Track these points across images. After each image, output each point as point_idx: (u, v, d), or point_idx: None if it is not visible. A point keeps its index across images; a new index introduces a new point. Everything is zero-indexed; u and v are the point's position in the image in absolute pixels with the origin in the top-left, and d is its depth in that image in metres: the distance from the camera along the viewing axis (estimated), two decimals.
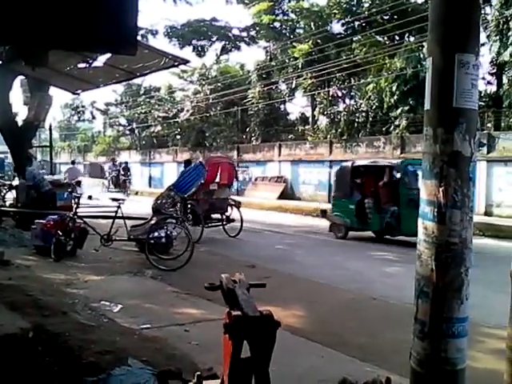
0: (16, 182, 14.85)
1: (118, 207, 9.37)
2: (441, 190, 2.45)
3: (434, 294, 2.49)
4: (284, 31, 31.01)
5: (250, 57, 62.63)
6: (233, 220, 13.19)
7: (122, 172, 30.61)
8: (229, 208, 13.39)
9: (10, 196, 15.73)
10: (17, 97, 16.80)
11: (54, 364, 3.93)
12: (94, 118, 51.81)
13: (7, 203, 15.01)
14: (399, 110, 21.45)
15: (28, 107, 15.07)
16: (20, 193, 13.02)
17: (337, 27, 27.58)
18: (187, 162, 14.63)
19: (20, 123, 15.18)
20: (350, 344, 5.05)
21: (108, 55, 8.57)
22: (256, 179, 27.44)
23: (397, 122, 21.56)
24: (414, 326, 2.63)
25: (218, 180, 13.57)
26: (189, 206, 12.30)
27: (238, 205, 13.69)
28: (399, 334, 4.54)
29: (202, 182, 11.44)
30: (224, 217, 13.19)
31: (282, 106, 32.59)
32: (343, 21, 26.84)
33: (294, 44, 28.60)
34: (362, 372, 4.05)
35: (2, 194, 17.29)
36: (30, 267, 7.92)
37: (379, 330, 5.56)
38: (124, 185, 29.72)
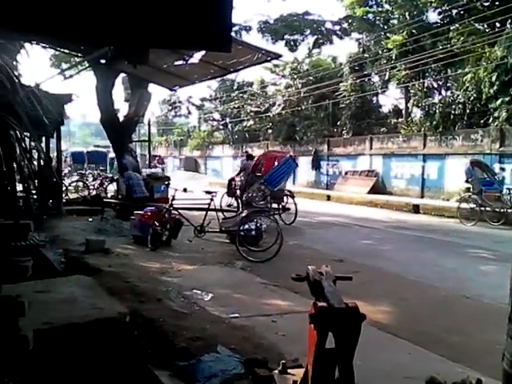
0: (117, 175, 15.68)
1: (211, 200, 9.66)
2: None
3: None
4: (377, 22, 30.26)
5: (343, 49, 61.65)
6: (288, 209, 13.68)
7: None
8: (284, 198, 14.02)
9: (112, 188, 16.64)
10: (118, 94, 17.74)
11: (149, 348, 4.15)
12: (189, 113, 53.28)
13: (109, 195, 15.90)
14: (499, 101, 20.20)
15: (129, 104, 15.83)
16: (121, 185, 13.72)
17: (433, 16, 26.48)
18: (249, 157, 15.29)
19: (121, 119, 15.97)
20: (441, 343, 4.92)
21: (203, 52, 8.83)
22: (346, 173, 27.10)
23: (496, 114, 20.35)
24: (507, 326, 2.54)
25: None
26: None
27: (292, 195, 14.24)
28: (493, 335, 4.35)
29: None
30: (280, 206, 13.54)
31: (374, 99, 31.84)
32: (440, 9, 25.73)
33: (387, 35, 27.87)
34: (452, 372, 3.93)
35: (104, 186, 18.36)
36: (128, 255, 8.33)
37: (472, 330, 5.37)
38: None
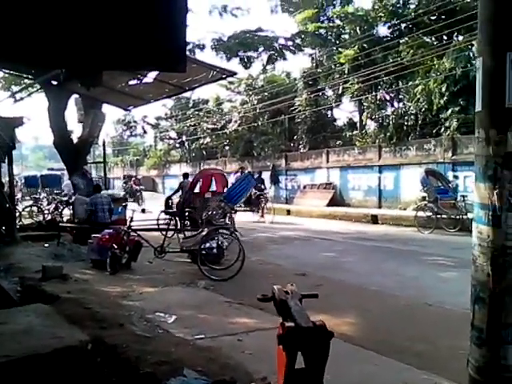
0: (72, 198, 15.34)
1: (170, 220, 9.55)
2: (495, 192, 2.40)
3: (491, 300, 2.43)
4: (329, 37, 30.84)
5: (296, 64, 62.46)
6: (226, 223, 13.53)
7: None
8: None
9: (68, 212, 16.28)
10: (71, 115, 17.46)
11: (113, 375, 4.02)
12: (145, 132, 52.89)
13: (64, 219, 15.53)
14: (449, 111, 20.88)
15: (82, 125, 15.60)
16: (76, 208, 13.41)
17: (383, 30, 27.21)
18: (185, 176, 16.08)
19: (75, 140, 15.71)
20: (406, 351, 4.96)
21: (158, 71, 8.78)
22: (304, 187, 27.31)
23: (447, 124, 21.01)
24: (470, 332, 2.57)
25: (212, 189, 14.39)
26: (187, 213, 12.70)
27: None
28: (457, 341, 4.42)
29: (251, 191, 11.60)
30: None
31: (329, 113, 32.31)
32: (389, 23, 26.46)
33: (339, 50, 28.42)
34: (419, 380, 3.98)
35: (60, 211, 17.90)
36: (87, 281, 8.12)
37: (436, 337, 5.43)
38: (257, 202, 19.99)
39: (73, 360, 3.98)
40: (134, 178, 34.64)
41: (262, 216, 19.29)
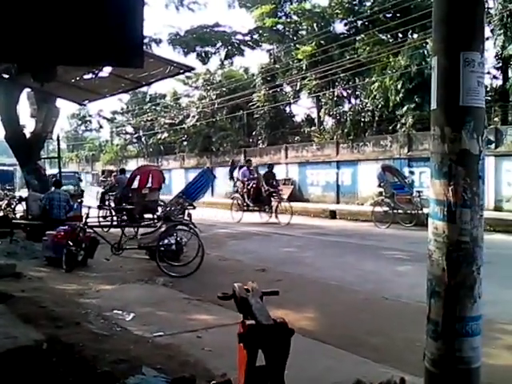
0: (25, 194, 14.95)
1: (128, 216, 9.43)
2: (450, 189, 2.45)
3: (447, 294, 2.48)
4: (287, 33, 31.03)
5: (254, 60, 62.54)
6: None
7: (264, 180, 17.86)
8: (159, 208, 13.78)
9: (21, 208, 15.85)
10: (24, 109, 17.01)
11: (69, 375, 3.94)
12: (101, 127, 52.08)
13: (17, 215, 15.12)
14: (405, 108, 21.36)
15: (35, 119, 15.20)
16: (30, 204, 13.08)
17: (340, 27, 27.59)
18: (122, 171, 16.94)
19: (28, 135, 15.31)
20: (364, 345, 5.02)
21: None
22: None
23: (403, 120, 21.50)
24: (427, 326, 2.62)
25: (149, 185, 14.28)
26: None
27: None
28: (413, 334, 4.52)
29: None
30: (155, 216, 13.61)
31: (287, 109, 32.55)
32: (346, 20, 26.82)
33: (297, 46, 28.61)
34: (377, 373, 4.02)
35: (12, 207, 17.38)
36: (42, 279, 7.93)
37: (393, 330, 5.51)
38: (268, 200, 17.20)
39: (27, 360, 3.89)
40: (114, 174, 33.02)
41: (276, 217, 16.85)
